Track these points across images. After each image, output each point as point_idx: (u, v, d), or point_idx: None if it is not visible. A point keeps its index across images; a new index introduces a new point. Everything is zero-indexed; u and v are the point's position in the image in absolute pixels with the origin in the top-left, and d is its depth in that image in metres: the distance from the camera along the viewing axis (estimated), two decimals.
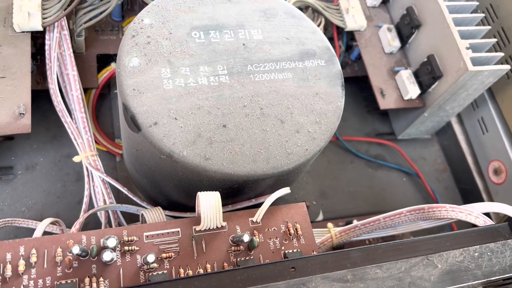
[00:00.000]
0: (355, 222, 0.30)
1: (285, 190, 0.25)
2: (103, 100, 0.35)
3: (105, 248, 0.21)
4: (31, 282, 0.20)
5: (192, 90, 0.25)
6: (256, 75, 0.26)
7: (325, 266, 0.20)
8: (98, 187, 0.29)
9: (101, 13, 0.32)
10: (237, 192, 0.26)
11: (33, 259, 0.21)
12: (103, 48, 0.35)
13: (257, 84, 0.26)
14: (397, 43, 0.37)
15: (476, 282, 0.21)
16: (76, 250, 0.20)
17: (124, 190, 0.28)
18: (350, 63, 0.39)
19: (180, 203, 0.28)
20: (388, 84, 0.36)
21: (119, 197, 0.30)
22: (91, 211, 0.27)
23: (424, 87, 0.35)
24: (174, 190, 0.27)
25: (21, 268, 0.20)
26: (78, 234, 0.22)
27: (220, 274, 0.19)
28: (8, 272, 0.20)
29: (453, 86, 0.32)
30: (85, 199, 0.28)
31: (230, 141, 0.24)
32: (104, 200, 0.28)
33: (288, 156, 0.24)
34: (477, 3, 0.35)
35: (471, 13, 0.35)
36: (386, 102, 0.35)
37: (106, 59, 0.35)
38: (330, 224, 0.30)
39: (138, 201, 0.28)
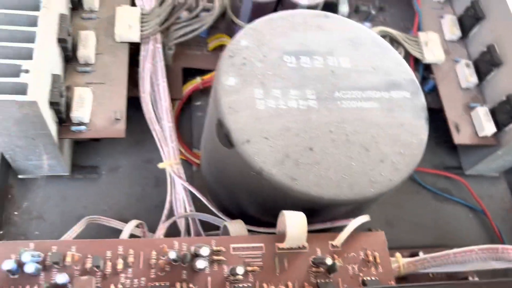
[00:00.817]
0: (422, 255, 0.30)
1: (365, 218, 0.25)
2: (184, 111, 0.36)
3: (197, 256, 0.22)
4: (128, 281, 0.21)
5: (282, 112, 0.26)
6: (343, 101, 0.27)
7: None
8: (179, 194, 0.30)
9: (193, 30, 0.33)
10: (316, 213, 0.26)
11: (130, 259, 0.22)
12: (188, 61, 0.36)
13: (343, 111, 0.27)
14: (474, 79, 0.36)
15: None
16: (173, 255, 0.21)
17: (204, 200, 0.29)
18: (424, 95, 0.39)
19: (255, 218, 0.29)
20: (463, 119, 0.35)
21: (196, 206, 0.31)
22: (176, 217, 0.28)
23: (500, 125, 0.34)
24: (253, 205, 0.28)
25: (120, 266, 0.22)
26: (170, 239, 0.23)
27: None
28: (108, 270, 0.22)
29: None
30: (167, 205, 0.30)
31: (316, 164, 0.25)
32: (185, 208, 0.29)
33: (372, 184, 0.25)
34: None
35: None
36: (461, 137, 0.35)
37: (190, 72, 0.36)
38: (398, 254, 0.30)
39: (216, 212, 0.29)
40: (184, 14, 0.34)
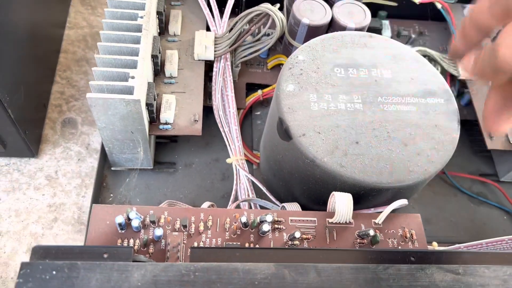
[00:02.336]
0: (457, 245, 0.33)
1: (403, 201, 0.29)
2: (246, 119, 0.42)
3: (263, 222, 0.27)
4: (207, 239, 0.26)
5: (332, 112, 0.31)
6: (385, 105, 0.32)
7: (440, 260, 0.24)
8: (243, 184, 0.35)
9: (255, 51, 0.39)
10: (362, 198, 0.30)
11: (209, 223, 0.27)
12: (251, 78, 0.42)
13: (385, 112, 0.31)
14: None
15: None
16: (244, 219, 0.26)
17: (264, 189, 0.34)
18: (460, 108, 0.43)
19: (306, 206, 0.33)
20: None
21: (256, 195, 0.36)
22: (241, 200, 0.33)
23: None
24: (305, 193, 0.33)
25: (201, 228, 0.27)
26: (241, 210, 0.28)
27: (356, 252, 0.24)
28: (192, 230, 0.27)
29: None
30: (233, 192, 0.35)
31: (361, 155, 0.29)
32: (248, 195, 0.34)
33: (410, 173, 0.29)
34: None
35: None
36: (493, 144, 0.38)
37: (252, 87, 0.42)
38: (435, 243, 0.33)
39: (273, 199, 0.34)
40: (248, 38, 0.40)
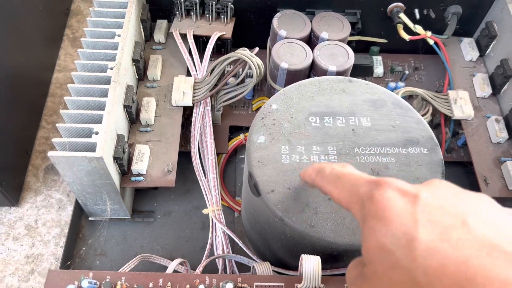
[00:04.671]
0: None
1: None
2: (229, 163, 0.41)
3: None
4: None
5: (305, 166, 0.29)
6: (362, 157, 0.30)
7: None
8: (219, 237, 0.33)
9: (239, 94, 0.38)
10: (336, 259, 0.28)
11: None
12: (235, 120, 0.41)
13: (362, 165, 0.29)
14: (504, 134, 0.37)
15: None
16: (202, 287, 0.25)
17: (240, 243, 0.33)
18: (456, 149, 0.40)
19: (284, 261, 0.32)
20: (492, 173, 0.36)
21: (234, 248, 0.35)
22: (212, 257, 0.31)
23: None
24: (280, 249, 0.31)
25: None
26: (203, 275, 0.26)
27: None
28: None
29: None
30: (208, 246, 0.33)
31: (334, 213, 0.27)
32: (223, 249, 0.33)
33: None
34: None
35: None
36: (489, 190, 0.35)
37: (236, 129, 0.41)
38: None
39: (250, 254, 0.32)
40: (231, 80, 0.39)
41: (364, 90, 0.33)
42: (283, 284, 0.26)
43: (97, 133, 0.29)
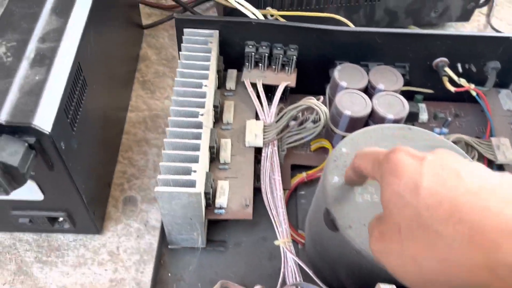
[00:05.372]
0: None
1: None
2: (291, 198, 0.44)
3: None
4: None
5: (376, 204, 0.33)
6: None
7: None
8: (291, 266, 0.37)
9: (302, 138, 0.42)
10: None
11: None
12: (296, 159, 0.45)
13: None
14: None
15: None
16: None
17: (310, 272, 0.36)
18: None
19: None
20: None
21: (303, 278, 0.38)
22: (289, 285, 0.35)
23: None
24: (351, 279, 0.34)
25: None
26: None
27: None
28: None
29: None
30: (281, 275, 0.37)
31: None
32: (295, 278, 0.36)
33: None
34: None
35: None
36: None
37: (297, 167, 0.45)
38: None
39: (320, 284, 0.36)
40: (291, 123, 0.43)
41: (422, 137, 0.37)
42: None
43: (195, 171, 0.33)
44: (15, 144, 0.28)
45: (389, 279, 0.31)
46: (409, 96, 0.49)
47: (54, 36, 0.33)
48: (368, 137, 0.37)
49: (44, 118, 0.29)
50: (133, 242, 0.42)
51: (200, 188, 0.33)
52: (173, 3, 0.61)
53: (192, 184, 0.33)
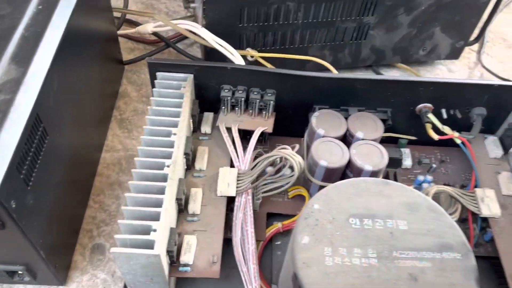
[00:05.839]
0: None
1: None
2: (266, 250, 0.42)
3: None
4: None
5: (347, 269, 0.31)
6: (400, 261, 0.31)
7: None
8: None
9: (278, 187, 0.40)
10: None
11: None
12: (272, 207, 0.43)
13: (400, 269, 0.31)
14: None
15: None
16: None
17: None
18: (484, 244, 0.42)
19: None
20: None
21: None
22: None
23: None
24: None
25: None
26: None
27: None
28: None
29: None
30: None
31: None
32: None
33: None
34: None
35: None
36: None
37: (273, 215, 0.43)
38: None
39: None
40: (269, 169, 0.41)
41: (400, 193, 0.35)
42: None
43: (155, 230, 0.31)
44: None
45: None
46: (392, 140, 0.48)
47: (10, 87, 0.31)
48: (342, 192, 0.35)
49: None
50: None
51: (159, 249, 0.31)
52: (156, 38, 0.60)
53: (151, 245, 0.31)
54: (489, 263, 0.42)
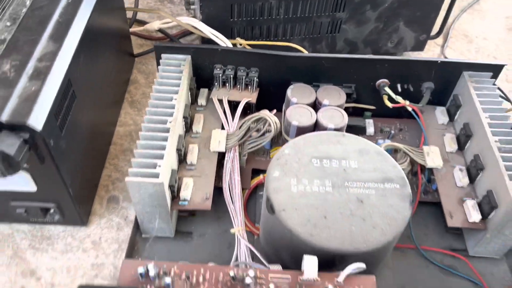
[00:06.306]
0: None
1: (360, 265, 0.36)
2: (251, 197, 0.51)
3: (247, 276, 0.34)
4: None
5: (308, 194, 0.39)
6: (350, 189, 0.40)
7: None
8: (243, 250, 0.43)
9: (258, 144, 0.49)
10: (330, 263, 0.37)
11: (207, 276, 0.35)
12: (256, 165, 0.52)
13: (350, 195, 0.39)
14: (466, 180, 0.47)
15: None
16: (232, 273, 0.34)
17: (258, 254, 0.42)
18: (431, 191, 0.50)
19: (291, 267, 0.41)
20: (457, 210, 0.45)
21: (254, 260, 0.44)
22: (239, 262, 0.41)
23: (485, 214, 0.44)
24: (289, 256, 0.40)
25: (201, 280, 0.35)
26: (233, 267, 0.36)
27: None
28: (194, 281, 0.35)
29: (505, 215, 0.41)
30: (234, 257, 0.43)
31: (327, 228, 0.37)
32: (245, 258, 0.42)
33: (366, 242, 0.36)
34: None
35: None
36: (453, 222, 0.45)
37: (257, 172, 0.51)
38: None
39: (265, 262, 0.42)
40: (254, 134, 0.50)
41: (354, 142, 0.44)
42: (289, 276, 0.36)
43: (160, 166, 0.40)
44: (12, 138, 0.35)
45: (314, 253, 0.37)
46: (360, 112, 0.56)
47: (49, 57, 0.40)
48: (308, 141, 0.43)
49: (37, 119, 0.36)
50: (114, 234, 0.49)
51: (163, 179, 0.39)
52: (162, 35, 0.70)
53: (156, 175, 0.39)
54: (437, 208, 0.50)
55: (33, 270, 0.46)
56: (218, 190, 0.48)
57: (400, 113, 0.55)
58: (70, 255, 0.47)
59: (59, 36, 0.43)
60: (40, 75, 0.39)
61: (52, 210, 0.46)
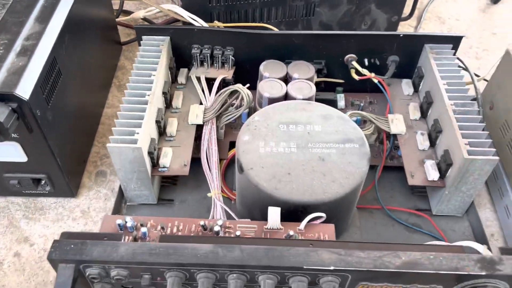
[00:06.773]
0: None
1: (320, 214, 0.39)
2: (229, 167, 0.54)
3: (216, 225, 0.38)
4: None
5: (274, 154, 0.42)
6: (313, 149, 0.43)
7: (331, 246, 0.34)
8: (218, 212, 0.46)
9: (233, 116, 0.52)
10: (294, 214, 0.41)
11: (180, 227, 0.38)
12: (233, 137, 0.55)
13: (313, 154, 0.42)
14: (427, 143, 0.50)
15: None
16: (202, 223, 0.37)
17: (232, 214, 0.45)
18: (397, 157, 0.53)
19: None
20: (417, 170, 0.49)
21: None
22: (213, 220, 0.44)
23: (443, 172, 0.47)
24: (258, 211, 0.43)
25: (174, 230, 0.38)
26: (203, 219, 0.39)
27: (269, 240, 0.35)
28: (168, 231, 0.38)
29: (459, 171, 0.44)
30: (210, 216, 0.46)
31: (290, 182, 0.40)
32: (220, 217, 0.46)
33: (325, 194, 0.40)
34: (481, 117, 0.47)
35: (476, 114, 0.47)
36: (414, 181, 0.48)
37: (234, 144, 0.55)
38: None
39: (237, 219, 0.45)
40: (230, 109, 0.53)
41: (319, 108, 0.47)
42: (256, 225, 0.39)
43: (138, 133, 0.43)
44: (2, 107, 0.39)
45: (278, 205, 0.40)
46: (331, 88, 0.60)
47: (35, 36, 0.44)
48: (276, 109, 0.47)
49: (24, 90, 0.40)
50: (101, 204, 0.52)
51: (141, 145, 0.43)
52: (148, 24, 0.73)
53: (135, 142, 0.43)
54: (403, 173, 0.53)
55: (27, 237, 0.49)
56: (198, 162, 0.51)
57: (369, 87, 0.58)
58: (61, 223, 0.50)
59: (44, 18, 0.46)
60: (27, 52, 0.42)
61: (43, 182, 0.50)
